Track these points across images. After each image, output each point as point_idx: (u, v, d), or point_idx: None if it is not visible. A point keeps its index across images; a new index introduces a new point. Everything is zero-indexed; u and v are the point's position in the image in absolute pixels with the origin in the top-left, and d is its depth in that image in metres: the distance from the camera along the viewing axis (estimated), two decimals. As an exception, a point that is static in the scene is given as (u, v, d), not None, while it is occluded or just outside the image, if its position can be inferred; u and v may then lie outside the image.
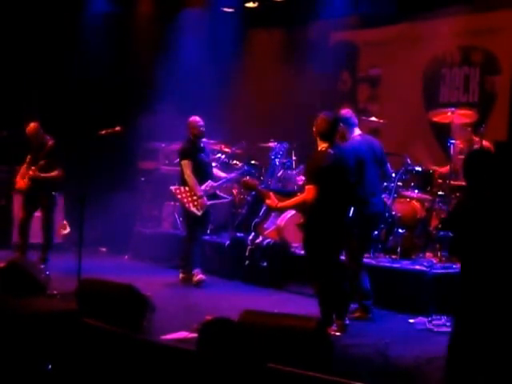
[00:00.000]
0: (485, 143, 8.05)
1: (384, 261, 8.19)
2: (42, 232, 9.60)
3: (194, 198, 8.72)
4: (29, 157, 9.60)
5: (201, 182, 8.82)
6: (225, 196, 9.21)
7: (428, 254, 8.37)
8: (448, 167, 8.47)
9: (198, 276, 8.83)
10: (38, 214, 9.82)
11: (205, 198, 8.72)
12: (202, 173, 8.86)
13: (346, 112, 7.34)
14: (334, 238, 6.59)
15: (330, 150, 6.55)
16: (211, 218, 9.22)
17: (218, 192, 8.99)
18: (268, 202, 6.77)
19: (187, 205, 8.75)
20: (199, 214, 8.72)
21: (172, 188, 8.96)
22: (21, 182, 9.58)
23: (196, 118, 8.91)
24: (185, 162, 8.86)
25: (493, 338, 4.79)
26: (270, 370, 4.87)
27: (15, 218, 10.93)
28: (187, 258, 8.95)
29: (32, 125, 9.50)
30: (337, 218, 6.55)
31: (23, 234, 9.59)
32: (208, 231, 9.54)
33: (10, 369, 5.44)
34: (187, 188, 8.79)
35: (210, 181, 8.86)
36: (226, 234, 9.87)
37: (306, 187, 6.51)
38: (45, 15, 11.85)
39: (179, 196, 8.80)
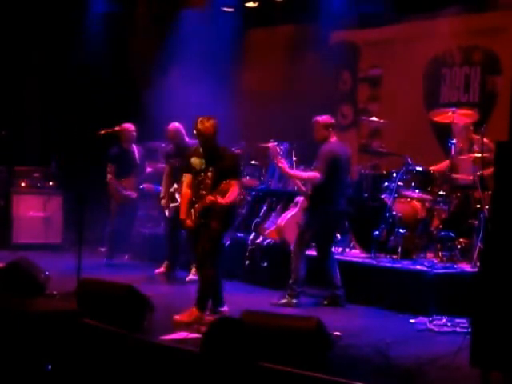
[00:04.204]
0: (485, 141, 8.01)
1: (385, 261, 8.16)
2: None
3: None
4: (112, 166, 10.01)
5: (172, 186, 9.24)
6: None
7: (429, 254, 8.33)
8: (444, 163, 8.47)
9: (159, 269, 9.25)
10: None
11: (163, 201, 9.28)
12: (173, 177, 9.17)
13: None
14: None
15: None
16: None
17: (176, 195, 9.10)
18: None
19: None
20: (166, 213, 9.28)
21: None
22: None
23: (169, 126, 9.25)
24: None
25: None
26: (270, 370, 4.85)
27: (14, 219, 10.93)
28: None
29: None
30: None
31: None
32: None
33: (9, 368, 5.44)
34: None
35: (175, 184, 9.10)
36: (226, 234, 9.83)
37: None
38: (45, 15, 11.86)
39: None
